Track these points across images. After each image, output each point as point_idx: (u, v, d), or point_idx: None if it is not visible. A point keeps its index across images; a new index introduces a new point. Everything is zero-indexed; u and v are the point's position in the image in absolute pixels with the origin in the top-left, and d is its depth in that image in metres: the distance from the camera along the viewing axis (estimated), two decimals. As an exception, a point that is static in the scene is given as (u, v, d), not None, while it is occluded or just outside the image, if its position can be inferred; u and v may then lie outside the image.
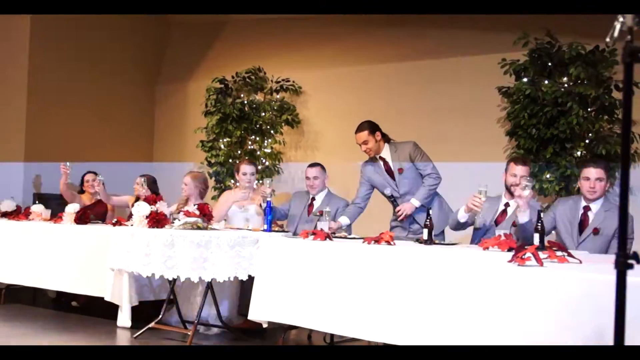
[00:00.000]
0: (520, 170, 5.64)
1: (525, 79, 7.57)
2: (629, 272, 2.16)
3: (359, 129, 6.50)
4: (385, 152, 6.52)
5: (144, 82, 11.41)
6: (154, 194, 7.00)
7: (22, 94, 9.77)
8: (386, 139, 6.55)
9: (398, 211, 6.38)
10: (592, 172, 5.35)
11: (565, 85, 7.42)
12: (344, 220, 6.66)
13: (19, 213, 8.06)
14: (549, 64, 7.54)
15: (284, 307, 5.33)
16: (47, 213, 7.82)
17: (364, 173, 6.70)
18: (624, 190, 2.22)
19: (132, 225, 6.25)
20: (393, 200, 6.57)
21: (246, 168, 7.13)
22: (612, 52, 7.30)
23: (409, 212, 6.32)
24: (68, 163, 8.25)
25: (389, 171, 6.52)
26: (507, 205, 5.76)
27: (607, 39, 2.22)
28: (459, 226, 5.89)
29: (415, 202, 6.29)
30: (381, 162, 6.54)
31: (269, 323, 5.55)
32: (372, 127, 6.47)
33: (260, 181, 7.68)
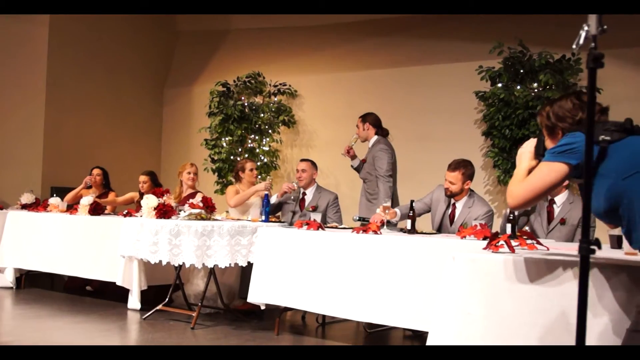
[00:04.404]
0: (448, 175, 5.67)
1: (499, 85, 7.63)
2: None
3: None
4: (371, 142, 6.73)
5: (153, 86, 11.40)
6: (159, 187, 7.00)
7: (40, 97, 9.77)
8: (381, 132, 6.72)
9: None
10: None
11: (536, 90, 7.47)
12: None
13: (38, 205, 8.05)
14: (521, 71, 7.59)
15: (280, 290, 5.37)
16: (64, 205, 7.79)
17: None
18: (588, 184, 2.26)
19: (141, 216, 6.25)
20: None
21: (253, 165, 7.21)
22: (577, 61, 7.39)
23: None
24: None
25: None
26: (454, 206, 5.71)
27: (574, 46, 2.24)
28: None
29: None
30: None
31: (266, 305, 5.58)
32: (365, 116, 6.79)
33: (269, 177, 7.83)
